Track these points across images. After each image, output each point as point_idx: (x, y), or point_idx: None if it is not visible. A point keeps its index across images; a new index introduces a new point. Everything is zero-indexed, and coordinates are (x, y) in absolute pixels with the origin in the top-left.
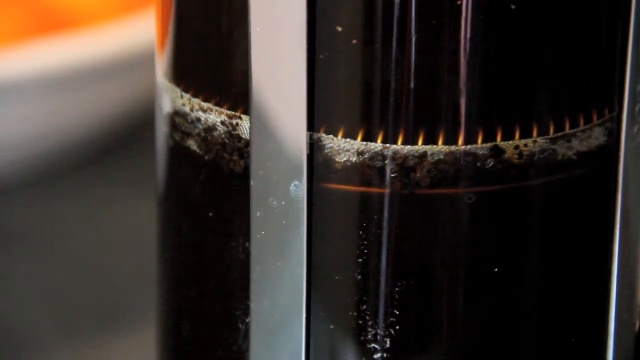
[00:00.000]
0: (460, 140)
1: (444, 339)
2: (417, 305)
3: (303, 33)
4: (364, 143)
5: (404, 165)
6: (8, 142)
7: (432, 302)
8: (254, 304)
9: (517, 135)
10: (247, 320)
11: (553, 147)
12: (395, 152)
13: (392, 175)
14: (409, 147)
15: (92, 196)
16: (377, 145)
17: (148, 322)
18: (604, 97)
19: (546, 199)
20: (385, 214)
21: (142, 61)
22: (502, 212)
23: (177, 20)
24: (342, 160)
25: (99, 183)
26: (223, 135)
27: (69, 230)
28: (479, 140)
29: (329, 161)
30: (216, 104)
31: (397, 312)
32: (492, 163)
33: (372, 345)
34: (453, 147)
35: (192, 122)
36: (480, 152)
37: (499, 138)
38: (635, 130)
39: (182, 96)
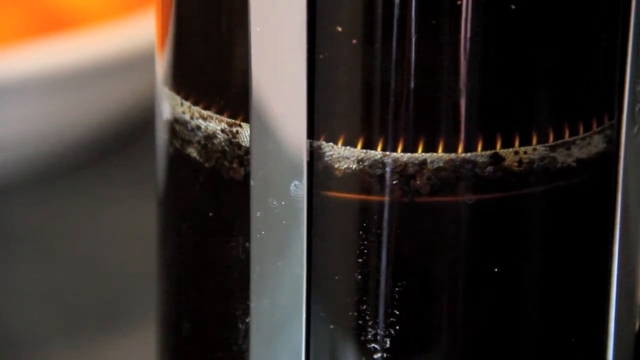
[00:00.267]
0: (460, 148)
1: (444, 340)
2: (417, 309)
3: (303, 33)
4: (364, 151)
5: (404, 173)
6: (8, 142)
7: (432, 310)
8: (254, 304)
9: (517, 143)
10: (247, 320)
11: (553, 154)
12: (395, 160)
13: (392, 182)
14: (409, 154)
15: (92, 196)
16: (377, 153)
17: (148, 322)
18: (604, 105)
19: (546, 206)
20: (386, 222)
21: (142, 61)
22: (502, 219)
23: (177, 28)
24: (342, 168)
25: (99, 183)
26: (223, 143)
27: (69, 230)
28: (479, 148)
29: (329, 169)
30: (216, 112)
31: (397, 313)
32: (492, 170)
33: (372, 345)
34: (453, 155)
35: (192, 129)
36: (480, 160)
37: (498, 146)
38: (635, 130)
39: (182, 104)
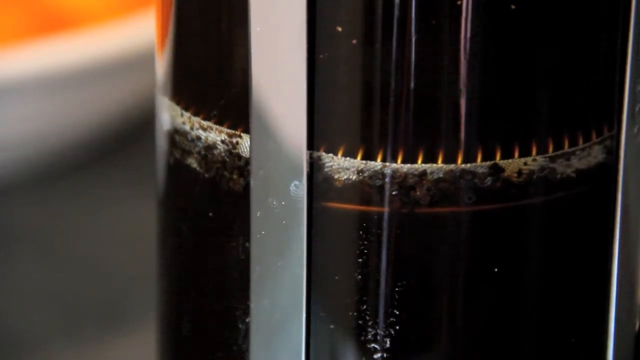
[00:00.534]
0: (460, 159)
1: (444, 341)
2: (416, 318)
3: (303, 33)
4: (364, 162)
5: (403, 184)
6: (8, 142)
7: (432, 319)
8: (254, 304)
9: (516, 154)
10: (247, 320)
11: (552, 165)
12: (395, 171)
13: (392, 193)
14: (408, 165)
15: (92, 196)
16: (377, 164)
17: (148, 322)
18: (603, 114)
19: (545, 216)
20: (385, 233)
21: (142, 61)
22: (502, 230)
23: (176, 36)
24: (342, 179)
25: (99, 183)
26: (223, 154)
27: (69, 230)
28: (479, 159)
29: (329, 180)
30: (216, 123)
31: (397, 313)
32: (491, 181)
33: (372, 345)
34: (453, 166)
35: (192, 140)
36: (480, 171)
37: (498, 156)
38: (635, 130)
39: (182, 114)
